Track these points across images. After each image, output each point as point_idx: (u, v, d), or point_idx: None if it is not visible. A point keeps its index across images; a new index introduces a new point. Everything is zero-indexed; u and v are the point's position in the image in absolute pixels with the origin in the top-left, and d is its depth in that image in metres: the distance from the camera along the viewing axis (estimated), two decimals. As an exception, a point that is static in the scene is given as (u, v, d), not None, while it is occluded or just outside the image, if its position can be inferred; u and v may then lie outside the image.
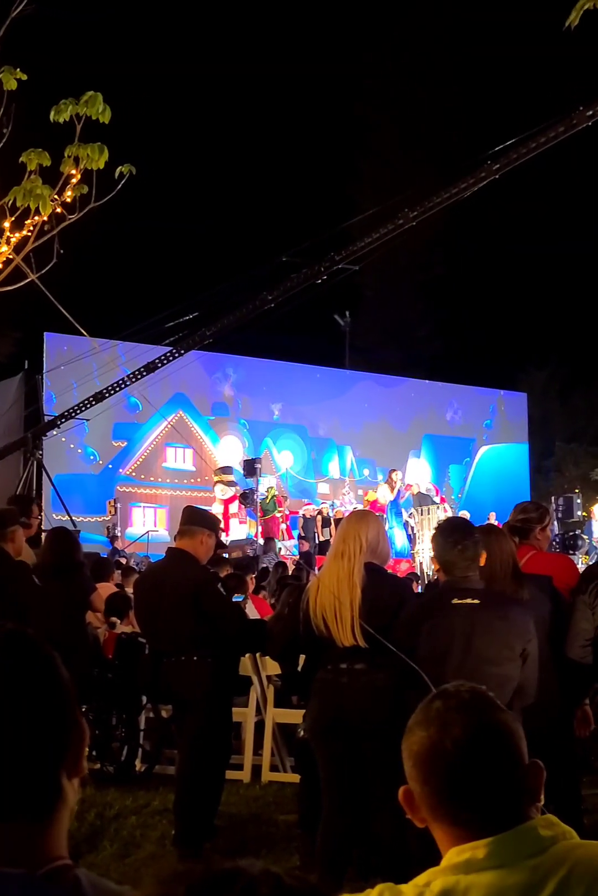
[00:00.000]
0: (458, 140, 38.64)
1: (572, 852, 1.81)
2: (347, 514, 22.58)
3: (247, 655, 8.42)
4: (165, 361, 19.68)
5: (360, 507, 24.73)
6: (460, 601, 4.50)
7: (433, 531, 5.27)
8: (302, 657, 6.06)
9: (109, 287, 32.45)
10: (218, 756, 6.74)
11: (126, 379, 19.63)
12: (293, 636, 5.56)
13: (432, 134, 40.08)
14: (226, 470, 23.65)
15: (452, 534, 4.65)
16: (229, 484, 22.88)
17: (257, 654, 8.55)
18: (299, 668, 5.86)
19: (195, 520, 6.93)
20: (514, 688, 4.38)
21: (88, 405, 20.48)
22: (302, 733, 5.93)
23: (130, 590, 10.93)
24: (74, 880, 1.37)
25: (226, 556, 13.76)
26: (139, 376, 19.82)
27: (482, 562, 4.69)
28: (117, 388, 20.45)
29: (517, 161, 15.04)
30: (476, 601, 4.50)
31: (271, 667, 8.55)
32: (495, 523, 17.37)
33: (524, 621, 4.52)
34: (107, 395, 20.38)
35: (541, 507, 6.29)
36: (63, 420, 20.87)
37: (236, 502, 23.00)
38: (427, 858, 2.01)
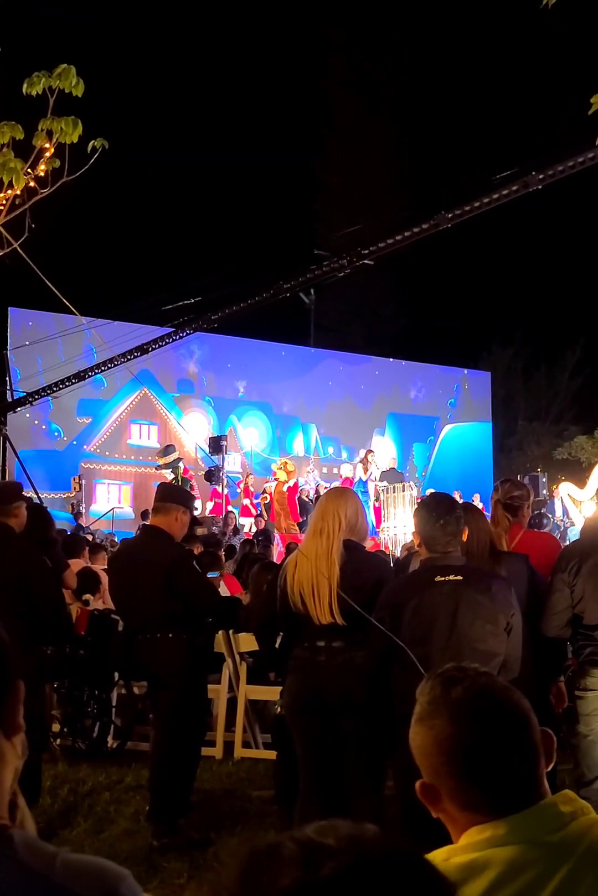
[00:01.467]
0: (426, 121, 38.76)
1: (592, 828, 1.83)
2: (313, 491, 22.64)
3: (220, 633, 8.45)
4: (160, 344, 19.78)
5: (325, 484, 24.85)
6: (443, 578, 4.51)
7: (409, 509, 5.31)
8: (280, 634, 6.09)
9: (81, 264, 32.21)
10: (193, 733, 6.76)
11: (116, 358, 19.53)
12: (271, 613, 5.58)
13: (399, 112, 40.09)
14: (167, 450, 23.48)
15: (435, 509, 4.65)
16: (172, 464, 22.78)
17: (231, 632, 8.58)
18: (277, 646, 5.87)
19: (169, 497, 6.93)
20: (500, 663, 4.42)
21: (68, 383, 20.45)
22: (279, 710, 5.96)
23: (97, 566, 10.93)
24: (7, 839, 1.35)
25: (198, 533, 13.77)
26: (131, 357, 19.77)
27: (464, 538, 4.72)
28: (105, 367, 20.40)
29: (469, 214, 16.34)
30: (459, 577, 4.51)
31: (244, 644, 8.59)
32: (473, 501, 17.51)
33: (507, 595, 4.55)
34: (90, 374, 20.40)
35: (524, 484, 6.35)
36: (36, 397, 20.81)
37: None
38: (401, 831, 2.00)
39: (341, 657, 5.13)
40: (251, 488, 24.95)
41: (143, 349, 19.96)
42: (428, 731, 1.94)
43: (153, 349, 20.11)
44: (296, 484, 23.92)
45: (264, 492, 24.33)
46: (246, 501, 24.62)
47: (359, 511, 5.36)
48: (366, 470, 23.90)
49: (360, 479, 23.90)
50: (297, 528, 21.93)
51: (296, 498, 23.56)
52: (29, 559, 6.62)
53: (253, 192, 37.68)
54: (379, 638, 4.55)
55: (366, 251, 17.76)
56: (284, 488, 23.77)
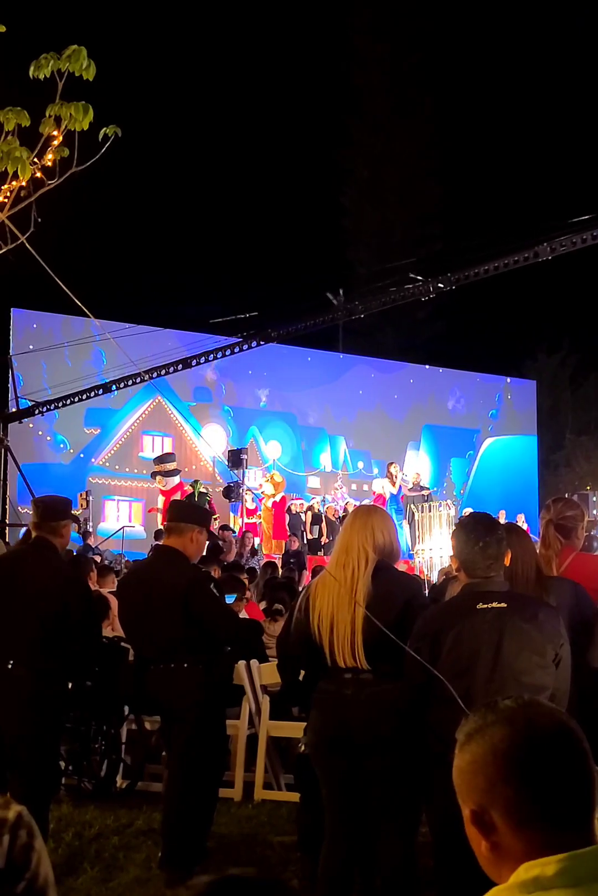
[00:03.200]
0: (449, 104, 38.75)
1: None
2: (341, 508, 22.68)
3: (240, 663, 8.44)
4: (206, 359, 20.29)
5: (354, 502, 24.83)
6: (485, 606, 4.49)
7: (447, 529, 5.28)
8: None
9: (91, 262, 32.40)
10: (210, 772, 6.74)
11: (144, 372, 19.96)
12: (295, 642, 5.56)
13: (432, 95, 40.12)
14: (164, 459, 23.61)
15: (474, 530, 4.62)
16: (169, 473, 22.87)
17: (252, 662, 8.57)
18: (301, 678, 5.86)
19: (184, 515, 6.93)
20: (548, 697, 4.38)
21: (86, 396, 20.80)
22: (302, 748, 5.94)
23: (106, 589, 10.94)
24: None
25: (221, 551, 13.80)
26: (173, 370, 20.19)
27: (507, 562, 4.69)
28: (133, 381, 20.83)
29: (574, 247, 17.40)
30: (503, 605, 4.48)
31: (266, 675, 8.57)
32: (517, 522, 17.46)
33: (556, 624, 4.51)
34: (116, 387, 20.79)
35: (578, 503, 6.30)
36: (44, 409, 21.09)
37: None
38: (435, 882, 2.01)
39: (370, 690, 5.10)
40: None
41: (186, 363, 20.38)
42: (480, 742, 1.95)
43: (199, 364, 20.59)
44: (284, 498, 24.10)
45: (289, 509, 24.39)
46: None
47: (389, 532, 5.32)
48: (393, 483, 23.97)
49: (391, 493, 23.91)
50: (281, 546, 22.10)
51: (286, 510, 23.79)
52: (74, 587, 6.53)
53: (276, 185, 37.79)
54: (415, 670, 4.52)
55: (452, 276, 18.21)
56: (270, 503, 23.89)
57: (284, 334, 20.79)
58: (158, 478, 22.92)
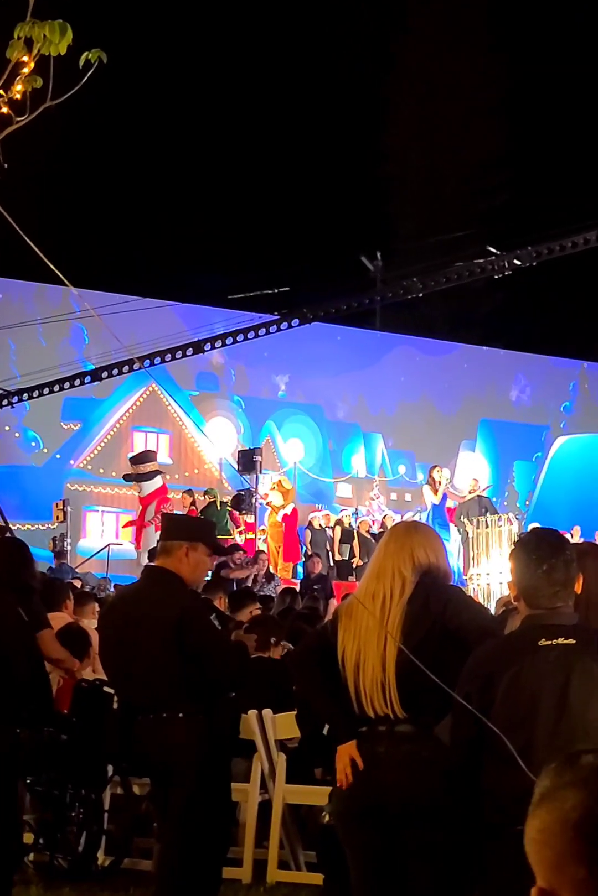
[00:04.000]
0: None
1: None
2: (377, 523, 22.71)
3: (250, 712, 8.46)
4: (223, 343, 20.43)
5: (393, 515, 24.83)
6: (549, 642, 4.50)
7: (507, 550, 5.28)
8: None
9: (68, 219, 32.52)
10: (212, 846, 6.77)
11: (147, 356, 20.13)
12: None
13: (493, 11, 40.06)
14: (139, 458, 23.68)
15: (537, 550, 4.64)
16: (145, 476, 22.93)
17: (264, 711, 8.59)
18: (325, 731, 5.89)
19: (175, 530, 7.00)
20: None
21: (69, 384, 20.94)
22: (326, 819, 5.96)
23: (86, 621, 10.96)
24: None
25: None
26: (179, 355, 20.39)
27: (578, 588, 4.70)
28: (127, 366, 20.99)
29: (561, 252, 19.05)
30: (571, 641, 4.49)
31: (282, 727, 8.58)
32: (595, 541, 17.44)
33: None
34: (105, 374, 20.96)
35: None
36: (13, 398, 21.22)
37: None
38: None
39: (409, 747, 5.13)
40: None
41: (197, 347, 20.48)
42: (551, 810, 1.93)
43: (213, 348, 20.72)
44: (295, 511, 24.10)
45: (310, 523, 24.42)
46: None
47: (434, 550, 5.33)
48: (435, 491, 23.87)
49: (433, 503, 23.86)
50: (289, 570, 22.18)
51: (308, 525, 23.84)
52: (2, 613, 6.63)
53: (298, 119, 37.74)
54: (464, 720, 4.54)
55: (532, 250, 18.36)
56: (279, 517, 23.89)
57: (322, 314, 20.81)
58: (132, 483, 23.03)
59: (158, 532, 22.99)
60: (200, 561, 6.86)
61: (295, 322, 21.12)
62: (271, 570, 22.02)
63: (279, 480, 24.92)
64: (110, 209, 34.20)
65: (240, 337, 21.63)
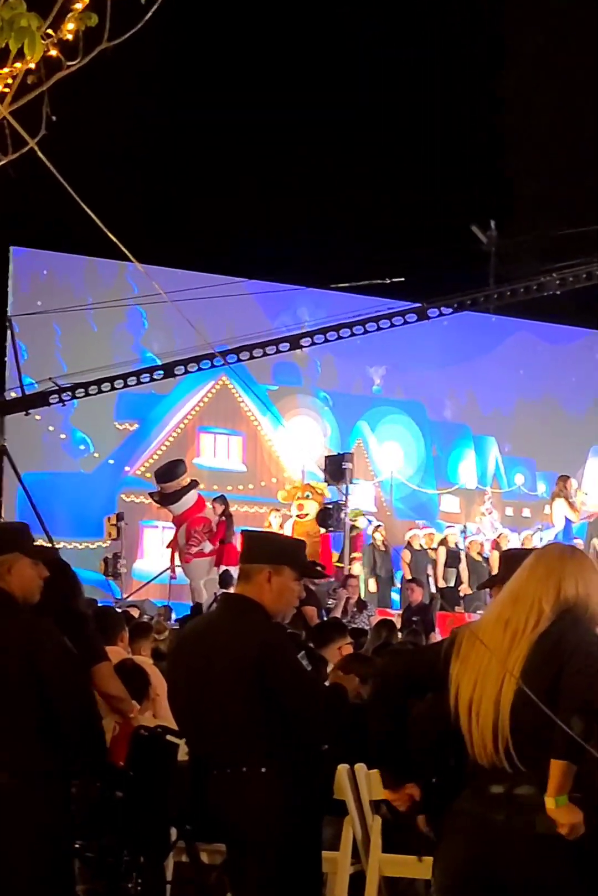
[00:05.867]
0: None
1: None
2: (489, 543, 22.66)
3: (341, 767, 8.45)
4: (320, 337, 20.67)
5: (509, 534, 24.73)
6: None
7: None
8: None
9: (131, 180, 32.54)
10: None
11: (231, 351, 20.40)
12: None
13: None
14: (167, 472, 23.55)
15: None
16: (177, 495, 22.93)
17: (357, 766, 8.58)
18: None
19: (256, 551, 6.99)
20: None
21: (128, 381, 21.17)
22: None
23: (142, 658, 11.03)
24: None
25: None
26: (272, 351, 20.61)
27: None
28: (215, 361, 21.25)
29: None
30: None
31: (379, 786, 8.56)
32: None
33: None
34: (175, 371, 21.21)
35: None
36: (61, 395, 21.38)
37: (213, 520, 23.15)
38: None
39: (531, 816, 5.08)
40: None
41: (294, 342, 20.69)
42: None
43: (312, 344, 20.90)
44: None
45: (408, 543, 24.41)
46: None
47: (587, 585, 5.23)
48: (573, 507, 23.71)
49: (566, 520, 23.69)
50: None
51: (406, 545, 23.77)
52: (42, 642, 6.68)
53: (395, 57, 37.63)
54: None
55: None
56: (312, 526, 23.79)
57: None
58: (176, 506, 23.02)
59: (199, 560, 23.22)
60: (285, 587, 6.81)
61: (445, 309, 21.26)
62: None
63: (312, 486, 24.82)
64: (175, 172, 34.21)
65: (345, 332, 21.74)
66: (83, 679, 7.36)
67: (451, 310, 21.98)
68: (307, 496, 24.31)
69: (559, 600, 5.14)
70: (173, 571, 23.24)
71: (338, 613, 18.95)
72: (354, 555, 24.11)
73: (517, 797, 5.09)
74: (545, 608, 5.15)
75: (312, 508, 24.03)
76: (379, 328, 22.10)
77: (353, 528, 24.51)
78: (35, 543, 7.16)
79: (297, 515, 24.19)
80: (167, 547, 24.26)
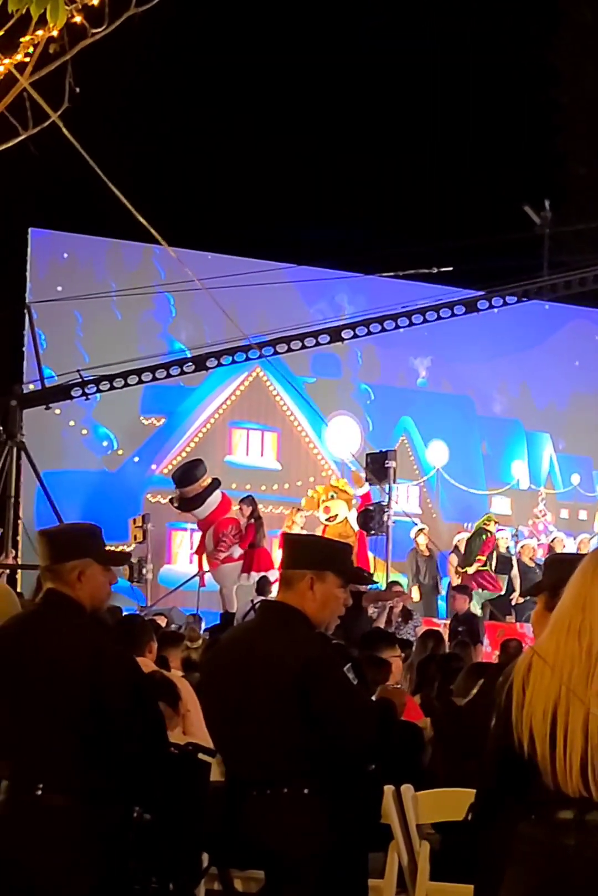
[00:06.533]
0: None
1: None
2: (544, 547, 22.76)
3: (386, 788, 8.39)
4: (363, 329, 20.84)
5: (564, 538, 24.69)
6: None
7: None
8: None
9: (158, 157, 32.59)
10: None
11: (270, 343, 20.51)
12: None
13: None
14: (187, 475, 23.60)
15: None
16: (202, 496, 22.93)
17: (403, 787, 8.52)
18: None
19: (298, 556, 6.96)
20: None
21: (157, 374, 21.26)
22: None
23: (172, 670, 10.99)
24: None
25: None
26: (311, 343, 20.75)
27: None
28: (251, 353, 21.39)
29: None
30: None
31: (427, 809, 8.50)
32: None
33: None
34: (207, 364, 21.34)
35: None
36: (85, 389, 21.46)
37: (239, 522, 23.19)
38: None
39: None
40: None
41: (335, 334, 20.81)
42: None
43: (355, 337, 20.99)
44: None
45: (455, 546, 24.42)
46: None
47: None
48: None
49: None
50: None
51: (453, 549, 23.73)
52: (105, 663, 6.61)
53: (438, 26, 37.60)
54: None
55: None
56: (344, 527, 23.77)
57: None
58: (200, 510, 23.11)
59: (227, 565, 23.42)
60: (329, 594, 6.77)
61: (496, 301, 21.29)
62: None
63: (339, 487, 24.79)
64: (208, 151, 34.23)
65: (389, 324, 21.81)
66: (152, 694, 7.33)
67: (501, 301, 21.79)
68: (332, 497, 24.40)
69: None
70: (202, 579, 23.27)
71: (381, 623, 18.88)
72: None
73: (586, 821, 5.01)
74: None
75: (340, 509, 24.09)
76: (425, 320, 22.10)
77: (485, 532, 24.52)
78: (107, 547, 7.11)
79: (325, 519, 24.23)
80: (195, 553, 24.35)
